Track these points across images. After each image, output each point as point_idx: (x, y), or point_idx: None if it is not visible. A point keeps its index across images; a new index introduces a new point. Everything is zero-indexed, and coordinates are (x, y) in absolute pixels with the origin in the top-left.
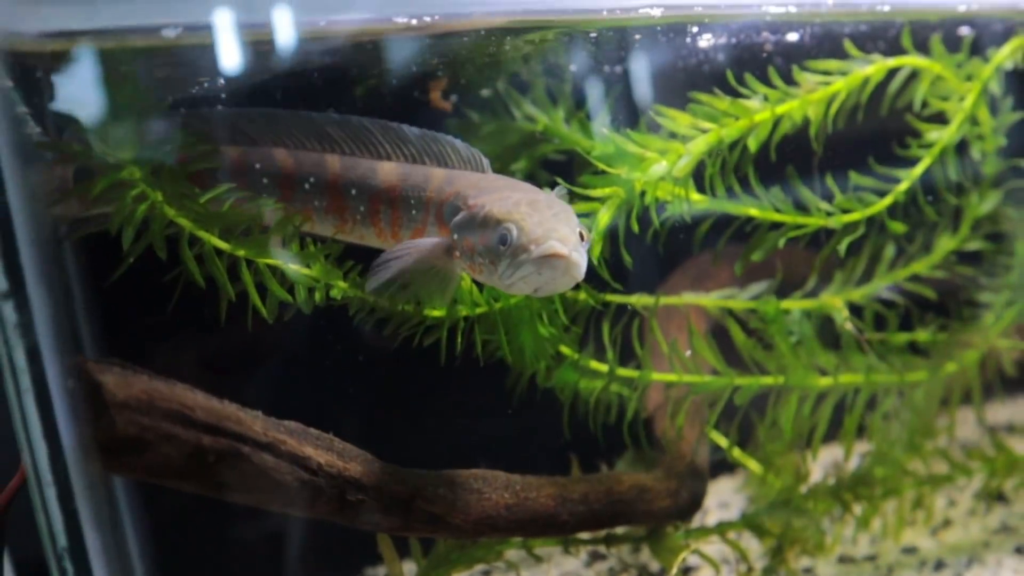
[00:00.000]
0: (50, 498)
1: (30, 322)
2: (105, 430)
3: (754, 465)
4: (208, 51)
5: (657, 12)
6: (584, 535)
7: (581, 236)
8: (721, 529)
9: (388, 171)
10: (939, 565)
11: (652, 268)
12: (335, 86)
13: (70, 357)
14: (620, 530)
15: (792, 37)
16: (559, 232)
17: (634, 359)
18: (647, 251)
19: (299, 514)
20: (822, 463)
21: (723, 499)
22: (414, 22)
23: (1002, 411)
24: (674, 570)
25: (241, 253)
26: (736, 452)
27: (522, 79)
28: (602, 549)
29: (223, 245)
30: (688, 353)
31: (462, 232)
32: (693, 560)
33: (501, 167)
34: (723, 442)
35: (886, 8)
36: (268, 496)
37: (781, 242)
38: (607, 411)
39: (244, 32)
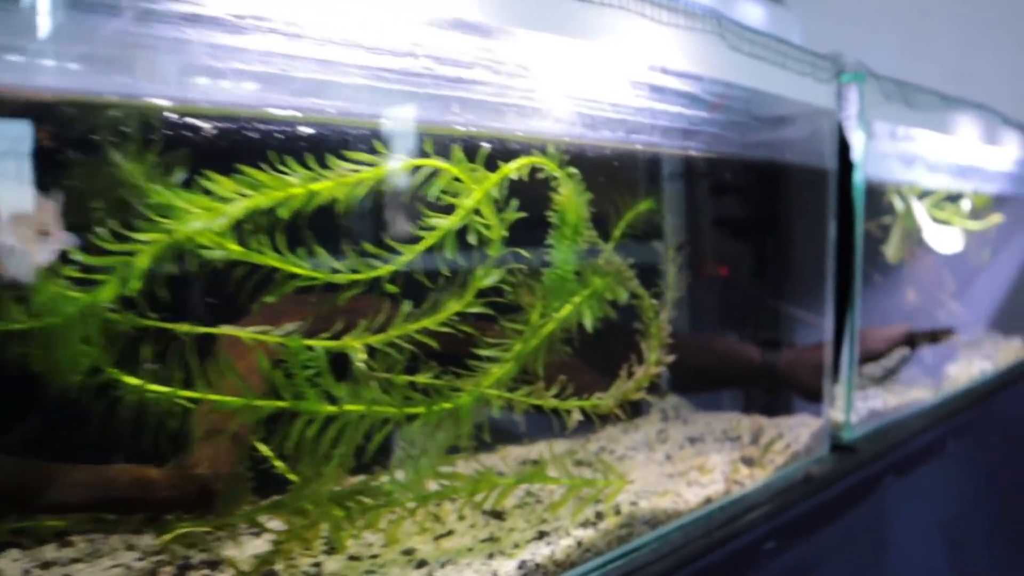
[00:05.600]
0: None
1: None
2: None
3: (294, 477)
4: None
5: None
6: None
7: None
8: (219, 522)
9: None
10: (420, 564)
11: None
12: None
13: None
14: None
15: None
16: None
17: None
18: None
19: None
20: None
21: None
22: None
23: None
24: (157, 542)
25: None
26: (280, 466)
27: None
28: (155, 545)
29: None
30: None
31: None
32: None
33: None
34: (268, 455)
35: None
36: None
37: (291, 286)
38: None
39: None
